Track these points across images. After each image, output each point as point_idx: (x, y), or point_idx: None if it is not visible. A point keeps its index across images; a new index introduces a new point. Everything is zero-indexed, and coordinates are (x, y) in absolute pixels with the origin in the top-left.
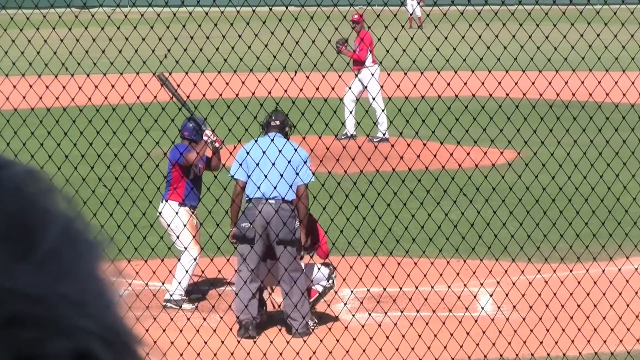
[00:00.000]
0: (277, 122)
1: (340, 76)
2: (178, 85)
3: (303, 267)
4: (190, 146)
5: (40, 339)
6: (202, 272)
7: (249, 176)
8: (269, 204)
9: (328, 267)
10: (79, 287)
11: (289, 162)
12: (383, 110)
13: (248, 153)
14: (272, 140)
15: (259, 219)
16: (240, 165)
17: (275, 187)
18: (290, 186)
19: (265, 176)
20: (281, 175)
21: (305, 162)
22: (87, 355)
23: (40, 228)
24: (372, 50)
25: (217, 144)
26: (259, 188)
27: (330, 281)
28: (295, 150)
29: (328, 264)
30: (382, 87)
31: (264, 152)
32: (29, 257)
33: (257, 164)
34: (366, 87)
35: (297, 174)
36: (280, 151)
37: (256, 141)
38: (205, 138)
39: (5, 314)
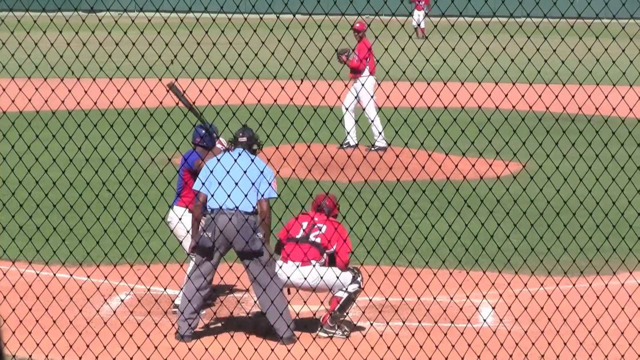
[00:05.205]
0: (244, 139)
1: (346, 85)
2: (184, 91)
3: (271, 276)
4: (200, 152)
5: None
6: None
7: (213, 192)
8: (225, 214)
9: (351, 272)
10: None
11: (243, 173)
12: (372, 122)
13: (211, 171)
14: (239, 155)
15: (215, 229)
16: (203, 183)
17: (228, 198)
18: (246, 196)
19: (218, 186)
20: (235, 185)
21: (268, 178)
22: None
23: None
24: (371, 59)
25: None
26: (211, 198)
27: (356, 285)
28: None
29: (350, 268)
30: (372, 97)
31: (231, 168)
32: None
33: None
34: (356, 97)
35: (254, 186)
36: (244, 165)
37: (219, 160)
38: (219, 146)
39: None
